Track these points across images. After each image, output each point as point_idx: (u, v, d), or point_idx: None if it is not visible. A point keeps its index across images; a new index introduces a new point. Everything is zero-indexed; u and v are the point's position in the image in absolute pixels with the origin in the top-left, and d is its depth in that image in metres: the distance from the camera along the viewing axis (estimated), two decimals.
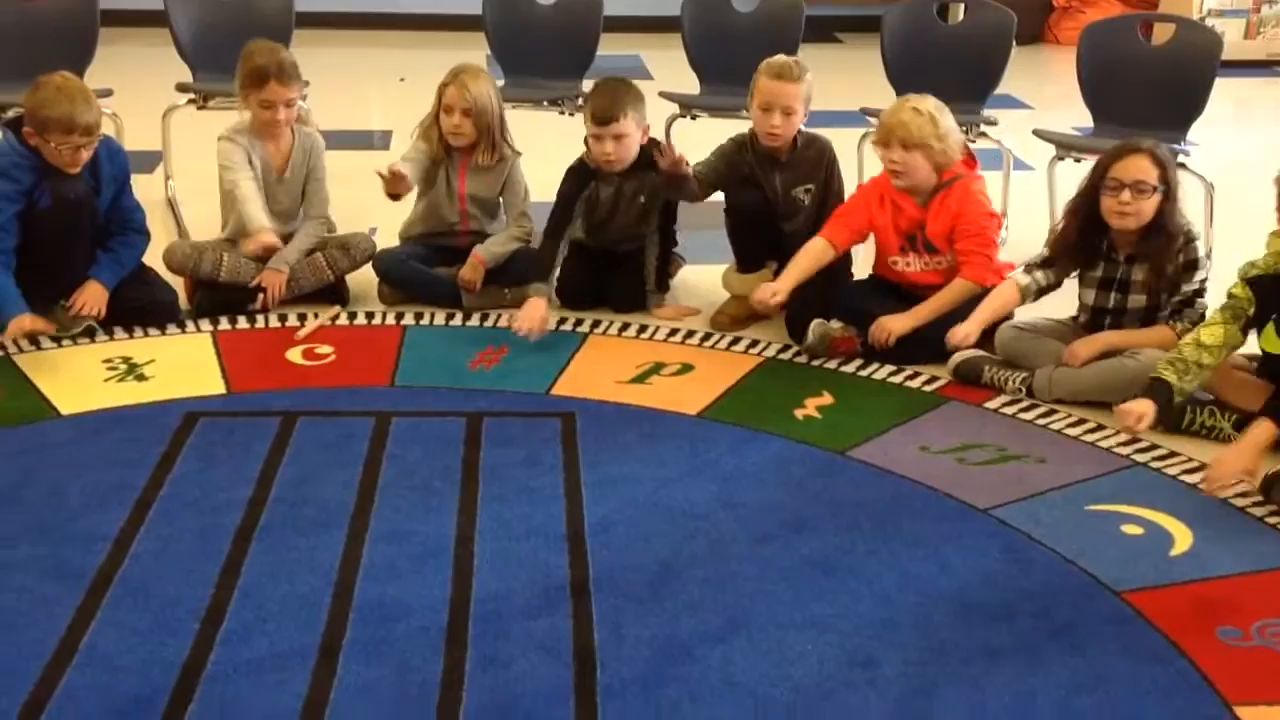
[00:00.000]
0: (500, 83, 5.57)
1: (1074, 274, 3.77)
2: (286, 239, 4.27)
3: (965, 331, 3.69)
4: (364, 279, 4.35)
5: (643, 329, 4.13)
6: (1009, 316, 3.83)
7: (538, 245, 4.20)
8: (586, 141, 4.16)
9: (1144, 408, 3.25)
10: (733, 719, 2.30)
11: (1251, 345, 3.42)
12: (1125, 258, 3.64)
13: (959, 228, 3.87)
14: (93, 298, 3.94)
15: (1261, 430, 3.10)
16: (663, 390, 3.68)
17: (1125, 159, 3.55)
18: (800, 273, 3.92)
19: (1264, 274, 3.32)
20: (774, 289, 3.88)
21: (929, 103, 3.90)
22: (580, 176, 4.18)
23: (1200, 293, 3.62)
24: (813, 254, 3.95)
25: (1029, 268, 3.77)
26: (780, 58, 4.14)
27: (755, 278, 4.15)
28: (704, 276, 4.41)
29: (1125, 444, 3.35)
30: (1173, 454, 3.31)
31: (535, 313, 3.96)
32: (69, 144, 3.76)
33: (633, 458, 3.27)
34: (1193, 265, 3.59)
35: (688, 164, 4.05)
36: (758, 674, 2.42)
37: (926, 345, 3.81)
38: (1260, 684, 2.41)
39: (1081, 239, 3.66)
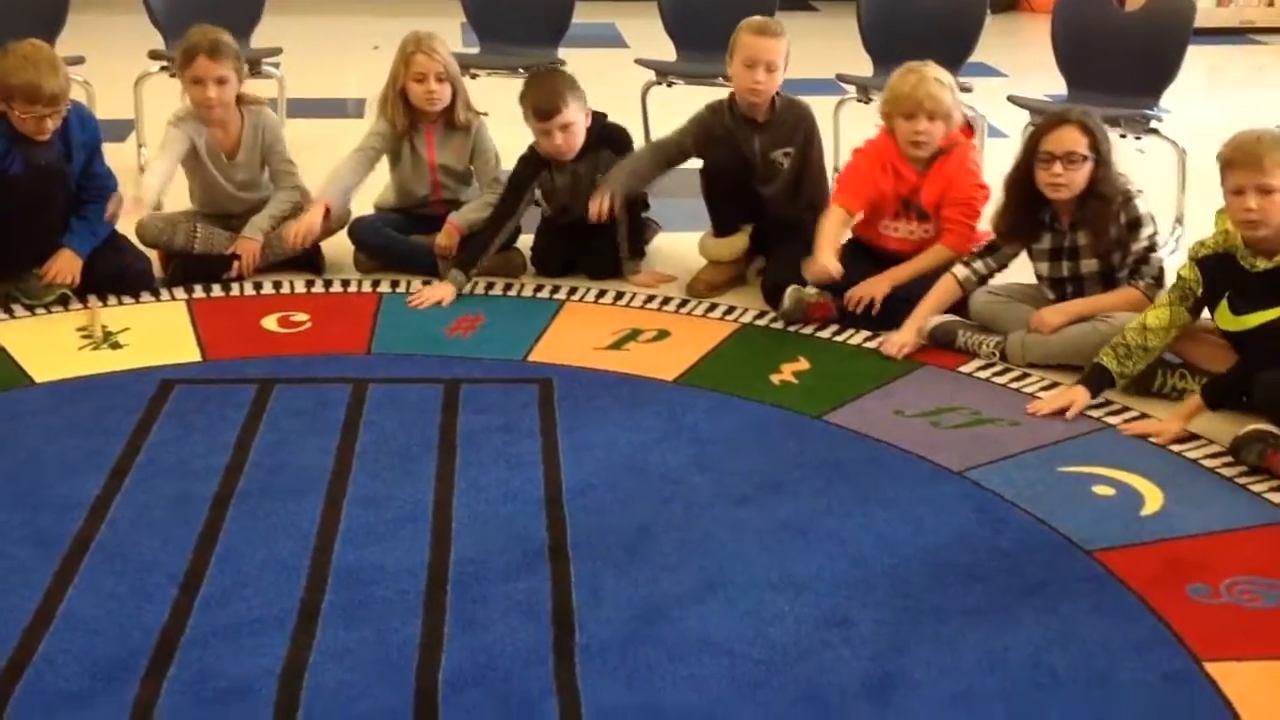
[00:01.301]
0: (474, 50, 5.58)
1: (1019, 253, 3.78)
2: (255, 210, 4.25)
3: (902, 341, 3.68)
4: (340, 247, 4.34)
5: (619, 296, 4.14)
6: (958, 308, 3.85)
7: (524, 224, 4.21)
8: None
9: (1075, 396, 3.34)
10: (710, 678, 2.32)
11: None
12: (1069, 225, 3.65)
13: (948, 194, 3.89)
14: (66, 266, 3.92)
15: (1194, 402, 3.21)
16: (639, 356, 3.69)
17: (1055, 131, 3.57)
18: (834, 241, 3.91)
19: (1212, 253, 3.35)
20: (825, 266, 3.81)
21: (942, 72, 3.93)
22: (531, 166, 4.17)
23: (1153, 248, 3.64)
24: (835, 222, 3.95)
25: (969, 259, 3.77)
26: (760, 16, 4.14)
27: (730, 242, 4.17)
28: (680, 243, 4.42)
29: (1096, 406, 3.38)
30: (1143, 416, 3.34)
31: (436, 293, 3.99)
32: (33, 113, 3.74)
33: (610, 423, 3.28)
34: (1136, 223, 3.61)
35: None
36: (735, 634, 2.44)
37: (901, 310, 3.83)
38: (1229, 640, 2.44)
39: (1022, 214, 3.68)
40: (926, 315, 3.74)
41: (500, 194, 4.19)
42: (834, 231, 3.93)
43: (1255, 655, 2.39)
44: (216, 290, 4.13)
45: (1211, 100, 6.96)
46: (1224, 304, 3.35)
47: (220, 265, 4.17)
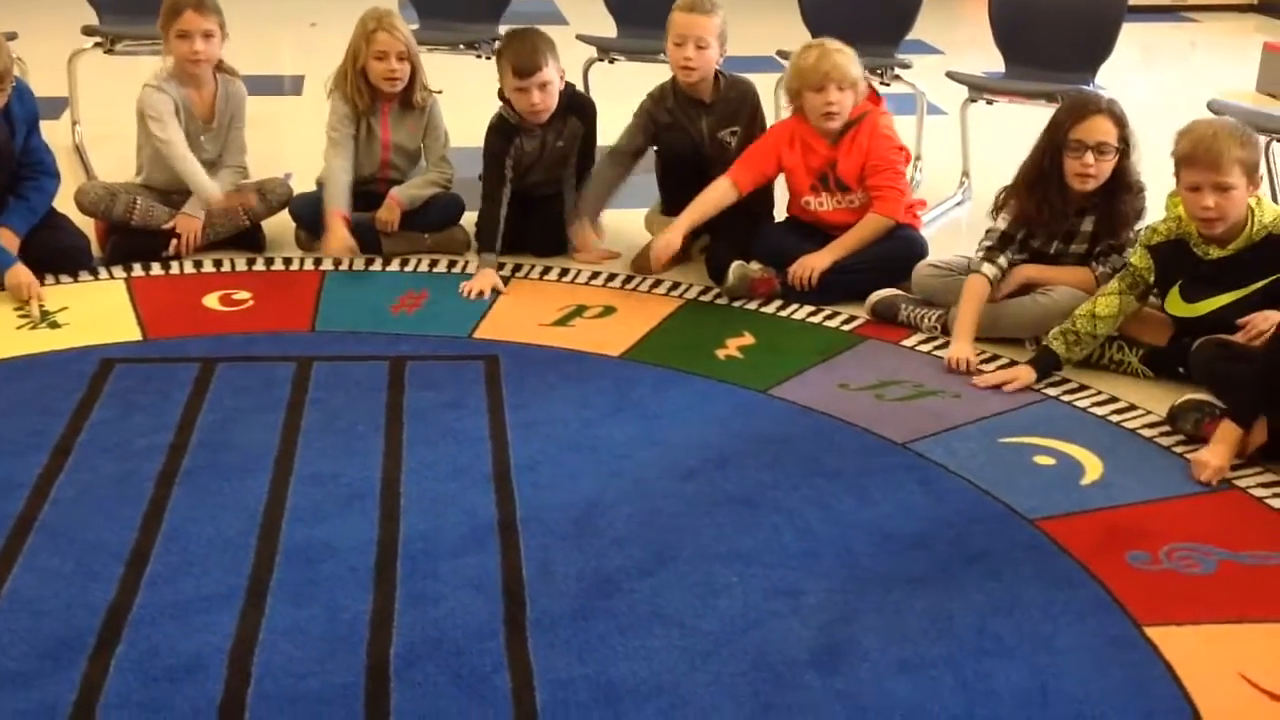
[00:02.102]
0: (414, 26, 5.53)
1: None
2: None
3: (960, 356, 3.48)
4: (281, 225, 4.30)
5: (564, 272, 4.14)
6: (920, 254, 3.87)
7: (469, 200, 4.17)
8: (503, 97, 4.13)
9: (1020, 374, 3.38)
10: (661, 649, 2.34)
11: None
12: (1077, 210, 3.62)
13: (869, 164, 3.92)
14: (4, 246, 3.85)
15: (1228, 429, 3.01)
16: (585, 332, 3.69)
17: (1087, 121, 3.49)
18: (698, 215, 3.96)
19: (1165, 240, 3.36)
20: (668, 240, 3.90)
21: (842, 45, 3.95)
22: (503, 135, 4.15)
23: (1133, 240, 3.64)
24: (714, 196, 3.98)
25: (989, 254, 3.63)
26: None
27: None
28: (624, 220, 4.42)
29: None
30: (1083, 387, 3.40)
31: (484, 282, 3.97)
32: None
33: (557, 399, 3.29)
34: (1139, 215, 3.61)
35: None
36: (684, 606, 2.46)
37: (844, 285, 3.86)
38: (1168, 605, 2.49)
39: (1045, 203, 3.58)
40: (972, 322, 3.56)
41: (484, 172, 4.15)
42: (706, 204, 3.96)
43: (1194, 620, 2.44)
44: (156, 269, 4.08)
45: (1146, 77, 7.07)
46: (1175, 290, 3.37)
47: (159, 243, 4.12)
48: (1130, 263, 3.41)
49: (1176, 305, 3.38)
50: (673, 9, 4.12)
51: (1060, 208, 3.59)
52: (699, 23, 4.04)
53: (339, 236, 4.09)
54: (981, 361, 3.52)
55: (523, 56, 4.01)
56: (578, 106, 4.20)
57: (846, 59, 3.89)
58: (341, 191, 4.16)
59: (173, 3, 4.09)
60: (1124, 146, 3.53)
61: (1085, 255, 3.67)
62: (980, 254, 3.65)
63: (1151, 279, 3.38)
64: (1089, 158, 3.49)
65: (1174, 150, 3.23)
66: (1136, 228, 3.61)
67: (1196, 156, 3.16)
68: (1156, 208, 3.53)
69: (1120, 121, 3.53)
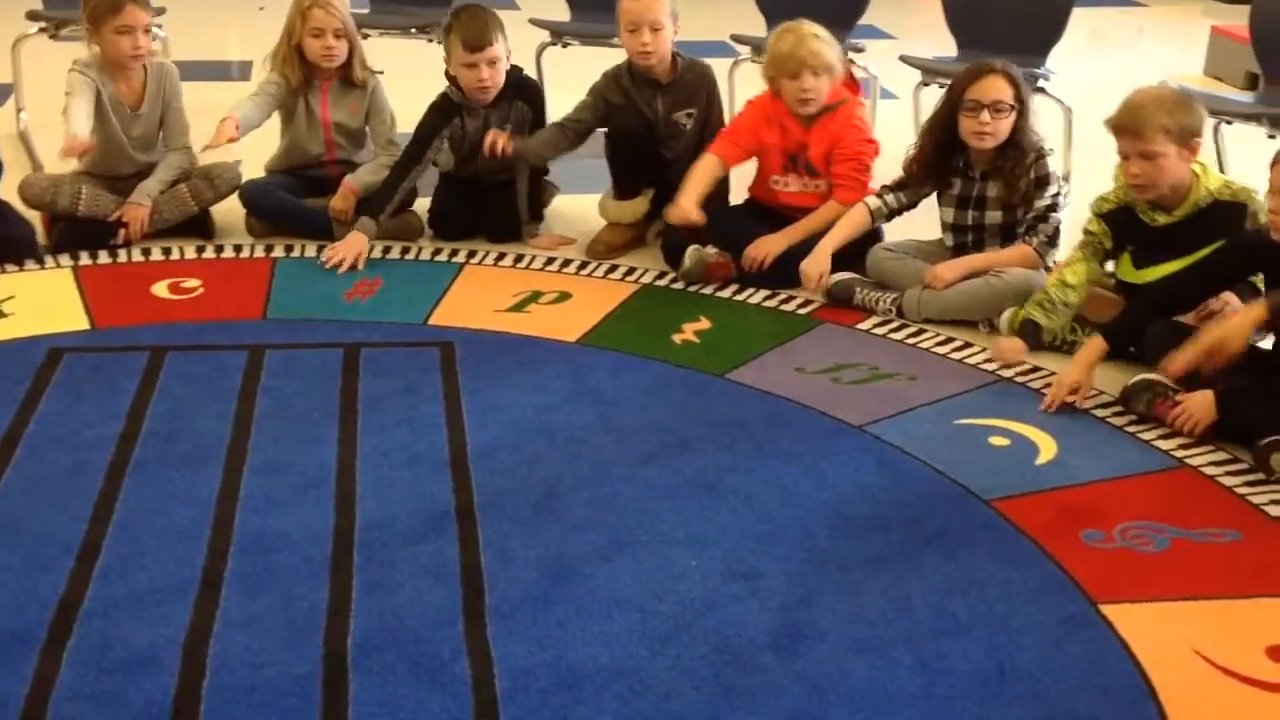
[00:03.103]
0: (364, 10, 5.48)
1: (930, 194, 3.84)
2: (145, 174, 4.15)
3: (817, 268, 3.74)
4: (231, 211, 4.25)
5: (519, 258, 4.11)
6: (875, 237, 3.90)
7: (423, 185, 4.15)
8: (449, 76, 4.10)
9: (1017, 344, 3.43)
10: (620, 634, 2.33)
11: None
12: (980, 174, 3.72)
13: (837, 151, 3.92)
14: None
15: (1091, 346, 3.22)
16: (541, 318, 3.68)
17: (982, 80, 3.62)
18: (700, 187, 3.92)
19: (1115, 207, 3.44)
20: (684, 210, 3.86)
21: (819, 28, 3.95)
22: (444, 113, 4.12)
23: (1054, 208, 3.71)
24: (706, 169, 3.96)
25: (882, 190, 3.83)
26: None
27: (632, 205, 4.17)
28: (579, 205, 4.40)
29: (991, 360, 3.45)
30: (1036, 369, 3.42)
31: (352, 247, 3.93)
32: None
33: (513, 384, 3.27)
34: (1044, 181, 3.68)
35: (509, 141, 4.06)
36: (644, 590, 2.46)
37: (797, 270, 3.86)
38: (1123, 583, 2.51)
39: (938, 159, 3.75)
40: (837, 243, 3.78)
41: (409, 142, 4.12)
42: (703, 177, 3.94)
43: (1148, 597, 2.47)
44: (104, 257, 4.02)
45: (1095, 61, 7.11)
46: (1126, 257, 3.45)
47: (106, 231, 4.06)
48: (1087, 229, 3.49)
49: (1128, 271, 3.46)
50: None
51: (953, 163, 3.73)
52: (650, 6, 4.01)
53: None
54: (936, 344, 3.54)
55: (473, 31, 3.98)
56: (525, 90, 4.18)
57: (822, 44, 3.89)
58: (243, 114, 4.08)
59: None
60: (1020, 106, 3.63)
61: (1005, 226, 3.72)
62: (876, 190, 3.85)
63: (1109, 244, 3.46)
64: (984, 115, 3.60)
65: (1107, 119, 3.34)
66: (1048, 195, 3.68)
67: (1122, 125, 3.28)
68: (1099, 189, 3.56)
69: (1015, 82, 3.65)
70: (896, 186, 3.83)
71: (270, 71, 4.22)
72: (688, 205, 3.86)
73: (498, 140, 4.03)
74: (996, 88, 3.61)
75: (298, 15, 4.14)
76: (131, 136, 4.14)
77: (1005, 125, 3.63)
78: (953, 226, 3.80)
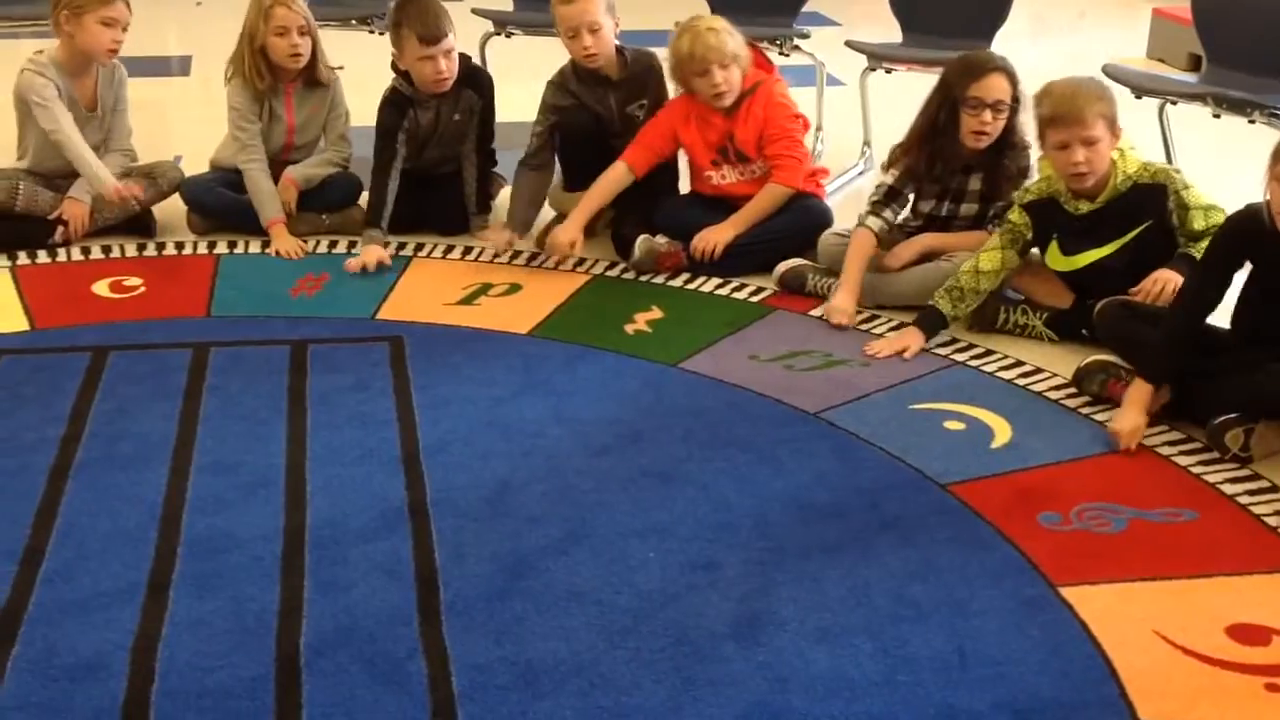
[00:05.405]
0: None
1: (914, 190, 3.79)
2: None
3: (843, 308, 3.56)
4: (173, 209, 4.18)
5: (467, 250, 4.07)
6: (826, 223, 3.88)
7: (368, 180, 4.08)
8: (396, 69, 4.04)
9: (910, 339, 3.39)
10: (579, 628, 2.30)
11: None
12: (963, 168, 3.68)
13: (767, 133, 3.90)
14: None
15: (1140, 389, 3.01)
16: (491, 311, 3.64)
17: (986, 79, 3.55)
18: (595, 204, 3.92)
19: (1037, 198, 3.43)
20: (570, 237, 3.85)
21: (714, 20, 3.94)
22: (397, 107, 4.05)
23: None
24: (609, 182, 3.94)
25: (875, 208, 3.69)
26: None
27: (581, 196, 4.12)
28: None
29: (944, 345, 3.45)
30: (989, 352, 3.42)
31: (370, 257, 3.89)
32: None
33: (465, 378, 3.23)
34: (1024, 172, 3.67)
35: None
36: (601, 582, 2.43)
37: (750, 256, 3.85)
38: (1080, 565, 2.50)
39: (933, 157, 3.65)
40: (857, 275, 3.62)
41: (376, 143, 4.05)
42: (605, 192, 3.93)
43: (1106, 578, 2.46)
44: (42, 256, 3.94)
45: (1039, 44, 7.15)
46: (1054, 245, 3.45)
47: (44, 231, 3.97)
48: (1008, 219, 3.47)
49: (1056, 260, 3.46)
50: (552, 3, 4.02)
51: (950, 163, 3.66)
52: (583, 10, 3.94)
53: (287, 241, 3.99)
54: (889, 329, 3.53)
55: (427, 24, 3.91)
56: (474, 80, 4.13)
57: (720, 37, 3.84)
58: (270, 199, 4.04)
59: None
60: (1015, 105, 3.60)
61: (978, 217, 3.72)
62: (867, 208, 3.71)
63: (1030, 234, 3.45)
64: (986, 115, 3.56)
65: (1037, 112, 3.31)
66: (1024, 188, 3.65)
67: (1061, 115, 3.24)
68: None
69: (1014, 80, 3.61)
70: (888, 199, 3.70)
71: (230, 80, 4.12)
72: (574, 233, 3.85)
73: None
74: (1000, 87, 3.55)
75: (259, 16, 4.02)
76: (87, 139, 4.03)
77: (1002, 124, 3.59)
78: (927, 215, 3.76)
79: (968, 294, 3.43)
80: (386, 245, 3.97)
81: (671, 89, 4.03)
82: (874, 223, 3.68)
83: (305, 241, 4.03)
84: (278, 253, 3.97)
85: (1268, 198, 2.81)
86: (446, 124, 4.09)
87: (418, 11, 3.94)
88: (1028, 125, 3.53)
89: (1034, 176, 3.64)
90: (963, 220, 3.74)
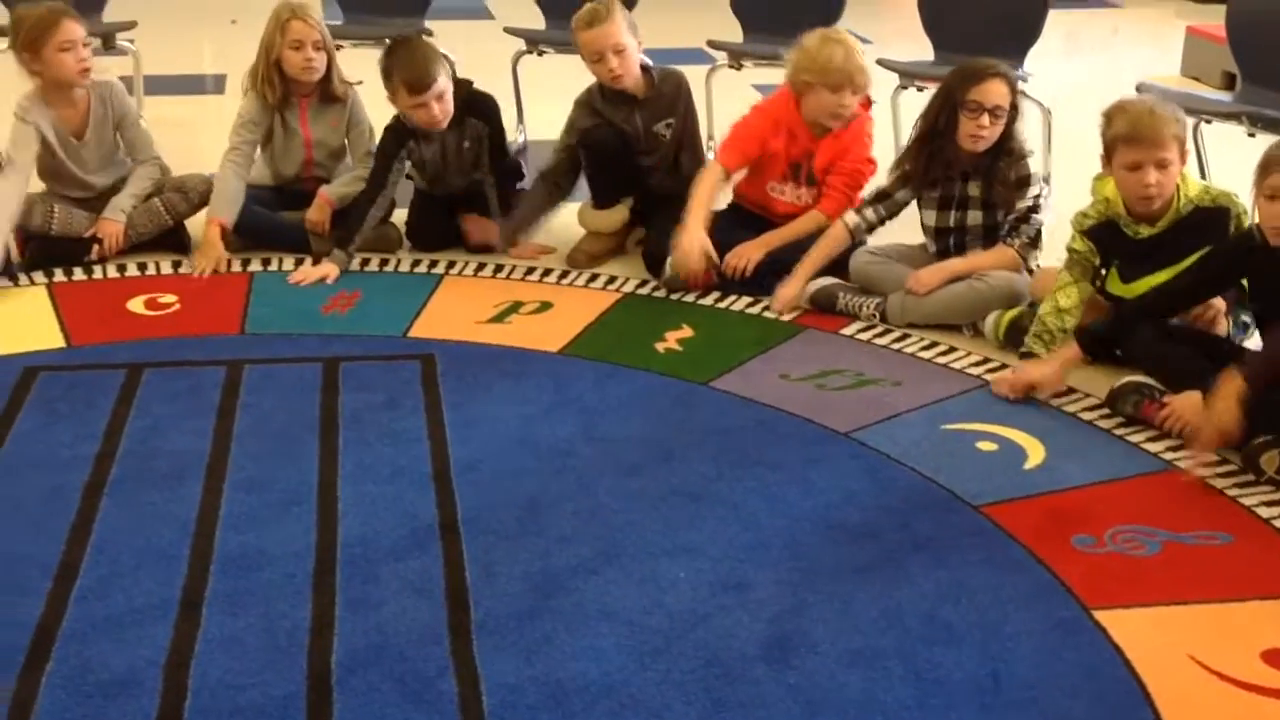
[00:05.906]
0: (338, 21, 5.46)
1: (910, 200, 3.81)
2: (113, 191, 4.10)
3: (787, 295, 3.72)
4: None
5: (499, 268, 4.08)
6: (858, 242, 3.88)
7: (354, 203, 4.10)
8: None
9: (1032, 377, 3.25)
10: (609, 648, 2.30)
11: None
12: (960, 175, 3.70)
13: (837, 163, 3.90)
14: None
15: (1071, 350, 3.13)
16: (522, 329, 3.64)
17: (984, 83, 3.58)
18: (706, 208, 3.88)
19: (1097, 223, 3.38)
20: (699, 242, 3.79)
21: (854, 40, 3.93)
22: (398, 136, 4.08)
23: (1035, 209, 3.67)
24: (711, 182, 3.93)
25: (860, 207, 3.79)
26: (586, 7, 4.05)
27: (610, 215, 4.13)
28: (558, 215, 4.35)
29: (976, 365, 3.43)
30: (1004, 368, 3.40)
31: (315, 273, 3.91)
32: None
33: (496, 397, 3.23)
34: (1025, 181, 3.66)
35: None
36: (631, 603, 2.42)
37: (782, 274, 3.84)
38: (1115, 588, 2.49)
39: (932, 161, 3.70)
40: (815, 265, 3.76)
41: (371, 167, 4.09)
42: (709, 193, 3.90)
43: (1141, 602, 2.44)
44: (78, 274, 3.98)
45: (1071, 62, 7.13)
46: (1114, 271, 3.39)
47: (80, 248, 4.01)
48: (1072, 249, 3.42)
49: (1116, 286, 3.40)
50: (573, 30, 4.05)
51: (946, 167, 3.68)
52: (606, 33, 3.96)
53: (212, 246, 4.00)
54: (921, 349, 3.52)
55: (415, 71, 3.91)
56: (477, 105, 4.12)
57: (865, 61, 3.86)
58: (227, 201, 4.06)
59: (40, 18, 3.89)
60: (1014, 112, 3.62)
61: (987, 228, 3.71)
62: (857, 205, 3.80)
63: (1097, 260, 3.40)
64: (984, 119, 3.58)
65: (1109, 130, 3.24)
66: (1029, 196, 3.66)
67: (1137, 134, 3.17)
68: (1078, 190, 3.54)
69: (1013, 87, 3.63)
70: (876, 199, 3.79)
71: (247, 92, 4.16)
72: (702, 239, 3.79)
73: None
74: (999, 92, 3.58)
75: (276, 29, 4.08)
76: (83, 165, 4.07)
77: (999, 129, 3.61)
78: (935, 230, 3.77)
79: (1056, 335, 3.35)
80: (346, 269, 3.97)
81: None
82: (851, 218, 3.77)
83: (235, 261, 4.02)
84: (199, 257, 3.99)
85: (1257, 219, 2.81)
86: (455, 154, 4.11)
87: (405, 58, 3.95)
88: (1026, 131, 3.54)
89: (1034, 187, 3.65)
90: (973, 230, 3.72)
